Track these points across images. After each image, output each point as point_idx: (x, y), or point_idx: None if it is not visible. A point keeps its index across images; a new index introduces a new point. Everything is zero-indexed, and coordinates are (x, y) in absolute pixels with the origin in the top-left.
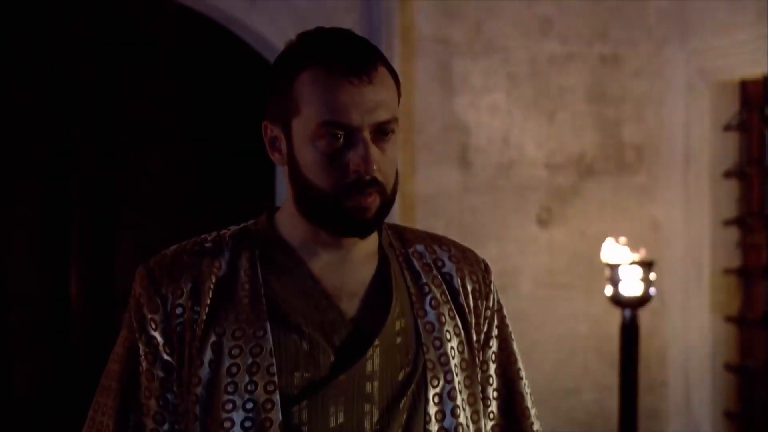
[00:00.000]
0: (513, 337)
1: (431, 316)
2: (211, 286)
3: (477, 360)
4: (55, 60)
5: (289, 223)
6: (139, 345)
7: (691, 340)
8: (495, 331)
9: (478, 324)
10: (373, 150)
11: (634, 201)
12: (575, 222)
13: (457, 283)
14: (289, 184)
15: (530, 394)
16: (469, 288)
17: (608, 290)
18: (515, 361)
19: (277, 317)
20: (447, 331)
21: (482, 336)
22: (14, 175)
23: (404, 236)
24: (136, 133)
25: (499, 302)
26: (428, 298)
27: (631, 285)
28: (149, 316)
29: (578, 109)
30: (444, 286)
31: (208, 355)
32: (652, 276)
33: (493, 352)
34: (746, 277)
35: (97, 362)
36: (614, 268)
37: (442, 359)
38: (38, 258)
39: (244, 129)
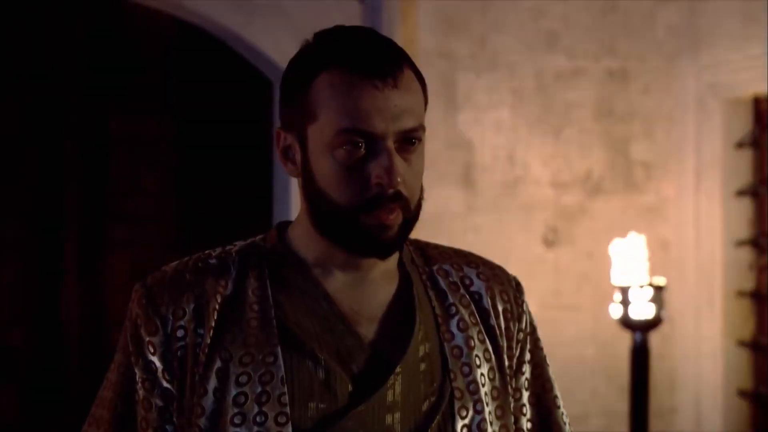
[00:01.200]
0: (548, 361)
1: (459, 339)
2: (216, 306)
3: (509, 388)
4: (46, 75)
5: (303, 239)
6: (136, 371)
7: (702, 365)
8: (528, 356)
9: (509, 348)
10: (398, 161)
11: (643, 221)
12: (582, 242)
13: (487, 303)
14: (303, 197)
15: (569, 424)
16: (500, 308)
17: (617, 313)
18: (551, 388)
19: (289, 342)
20: (476, 356)
21: (514, 361)
22: (3, 194)
23: (428, 252)
24: (128, 149)
25: (532, 324)
26: (455, 319)
27: (642, 307)
28: (147, 338)
29: (585, 125)
30: (473, 306)
31: (212, 382)
32: (664, 298)
33: (526, 379)
34: (760, 300)
35: (89, 387)
36: (624, 290)
37: (471, 387)
38: (29, 278)
39: (241, 145)
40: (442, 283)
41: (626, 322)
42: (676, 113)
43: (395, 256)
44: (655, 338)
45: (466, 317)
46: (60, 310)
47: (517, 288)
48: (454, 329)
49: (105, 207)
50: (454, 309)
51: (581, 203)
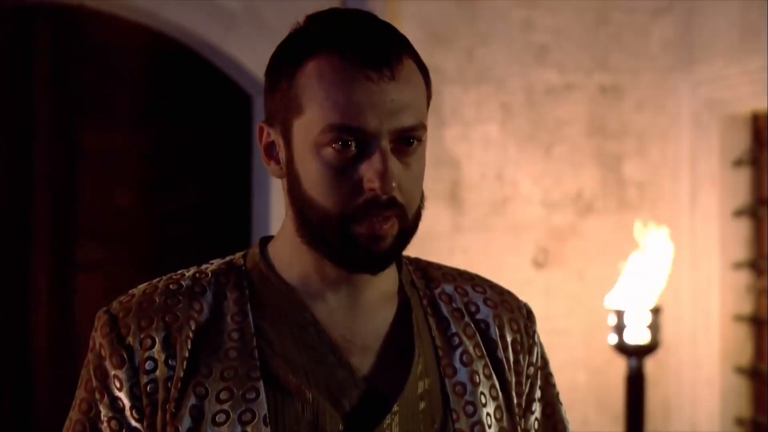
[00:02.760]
0: (561, 399)
1: (462, 374)
2: (190, 334)
3: (518, 429)
4: (12, 87)
5: (287, 255)
6: (100, 408)
7: (698, 392)
8: (538, 393)
9: (519, 384)
10: (393, 163)
11: (636, 242)
12: (574, 264)
13: (495, 333)
14: (288, 202)
15: None
16: (509, 339)
17: (612, 338)
18: (563, 430)
19: (273, 376)
20: (482, 393)
21: (523, 399)
22: None
23: (429, 273)
24: (99, 167)
25: (543, 357)
26: (458, 352)
27: (637, 332)
28: (113, 372)
29: (577, 142)
30: (478, 336)
31: (186, 421)
32: (660, 322)
33: (536, 419)
34: (758, 324)
35: (57, 418)
36: (619, 313)
37: (476, 429)
38: None
39: (219, 161)
40: (445, 309)
41: (621, 347)
42: (671, 130)
43: (394, 277)
44: (649, 364)
45: (471, 349)
46: (28, 334)
47: (528, 316)
48: (456, 363)
49: (75, 226)
50: (457, 340)
51: (572, 223)
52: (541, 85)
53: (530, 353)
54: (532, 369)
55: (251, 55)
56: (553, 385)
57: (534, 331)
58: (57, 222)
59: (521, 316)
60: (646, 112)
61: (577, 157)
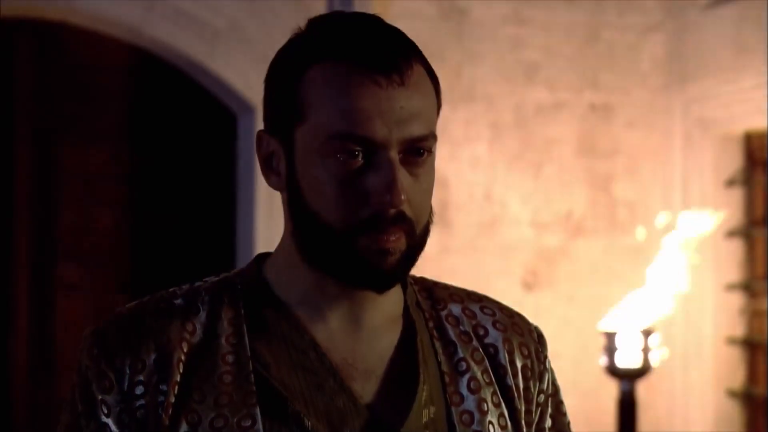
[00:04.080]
0: (572, 429)
1: (470, 402)
2: (182, 357)
3: None
4: None
5: (286, 272)
6: None
7: (690, 416)
8: (548, 422)
9: (528, 412)
10: (402, 175)
11: (627, 263)
12: (563, 286)
13: (504, 358)
14: (287, 216)
15: None
16: (519, 365)
17: (603, 360)
18: None
19: (270, 402)
20: (490, 422)
21: (533, 428)
22: None
23: (436, 294)
24: (80, 186)
25: (554, 384)
26: (466, 378)
27: (629, 355)
28: (100, 397)
29: (567, 162)
30: (487, 362)
31: None
32: (653, 344)
33: None
34: (752, 347)
35: None
36: (611, 336)
37: None
38: None
39: (202, 181)
40: (452, 332)
41: (612, 370)
42: (663, 149)
43: (399, 298)
44: (640, 387)
45: (479, 376)
46: (8, 355)
47: (539, 341)
48: (463, 390)
49: (55, 246)
50: (464, 365)
51: (562, 244)
52: (530, 103)
53: (541, 380)
54: (542, 396)
55: (236, 74)
56: (564, 414)
57: (545, 357)
58: (37, 242)
59: (532, 341)
60: (637, 131)
61: (567, 177)
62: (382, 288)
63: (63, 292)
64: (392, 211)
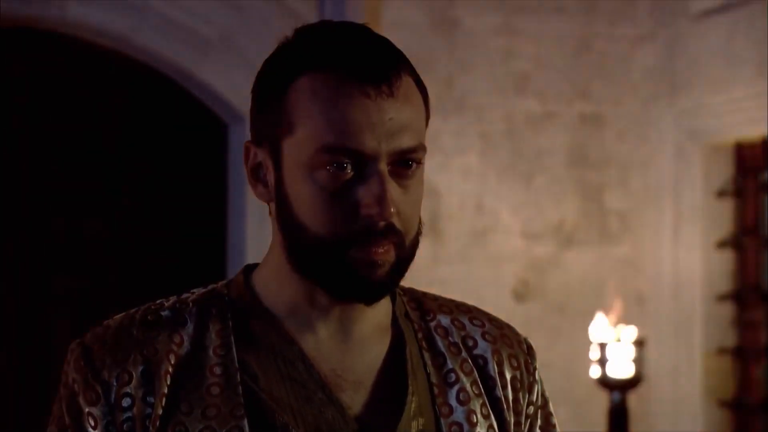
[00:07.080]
0: None
1: (459, 414)
2: (170, 369)
3: None
4: None
5: (275, 283)
6: None
7: (680, 426)
8: None
9: (518, 424)
10: (392, 187)
11: (618, 273)
12: (554, 296)
13: (493, 369)
14: (276, 227)
15: None
16: (508, 376)
17: (595, 371)
18: None
19: (258, 414)
20: None
21: None
22: None
23: (425, 305)
24: (70, 194)
25: (544, 396)
26: (455, 390)
27: (621, 365)
28: (86, 409)
29: (557, 172)
30: (476, 373)
31: None
32: (644, 355)
33: None
34: (742, 357)
35: None
36: (602, 346)
37: None
38: None
39: (192, 191)
40: (441, 343)
41: (604, 381)
42: (654, 160)
43: (388, 309)
44: (631, 398)
45: (468, 387)
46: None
47: (529, 352)
48: (453, 401)
49: (46, 255)
50: (453, 377)
51: (553, 254)
52: (521, 114)
53: (530, 391)
54: (532, 408)
55: (226, 83)
56: (554, 425)
57: (535, 368)
58: (28, 251)
59: (521, 352)
60: (628, 141)
61: (558, 187)
62: (371, 300)
63: (53, 301)
64: (382, 223)
